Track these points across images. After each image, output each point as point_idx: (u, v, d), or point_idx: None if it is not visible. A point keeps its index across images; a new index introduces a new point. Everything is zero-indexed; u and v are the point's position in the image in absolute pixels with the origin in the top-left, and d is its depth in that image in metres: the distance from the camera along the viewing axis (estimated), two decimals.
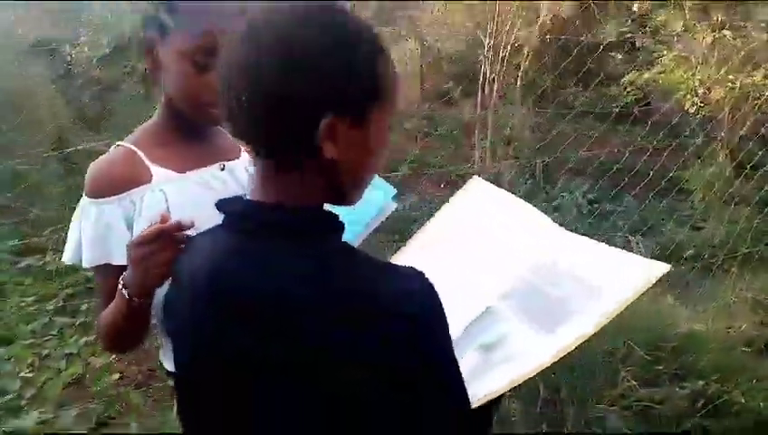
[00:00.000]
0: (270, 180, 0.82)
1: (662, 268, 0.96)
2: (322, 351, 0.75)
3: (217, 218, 0.89)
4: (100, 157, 1.22)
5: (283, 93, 0.73)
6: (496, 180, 4.82)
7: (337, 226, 0.85)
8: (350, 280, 0.79)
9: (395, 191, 1.38)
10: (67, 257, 1.22)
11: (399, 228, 5.81)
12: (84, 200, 1.19)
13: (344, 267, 0.80)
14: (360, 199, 1.39)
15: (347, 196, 0.88)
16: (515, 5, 4.27)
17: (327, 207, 0.87)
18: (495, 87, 4.36)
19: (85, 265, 1.18)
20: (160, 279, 1.00)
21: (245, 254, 0.81)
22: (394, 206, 1.40)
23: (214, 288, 0.82)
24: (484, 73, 4.40)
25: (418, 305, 0.78)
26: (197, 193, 1.21)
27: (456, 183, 6.81)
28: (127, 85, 5.71)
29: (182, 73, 1.14)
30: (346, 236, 1.37)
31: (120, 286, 1.06)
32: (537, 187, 6.18)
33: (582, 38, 4.07)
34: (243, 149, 1.34)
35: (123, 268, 1.11)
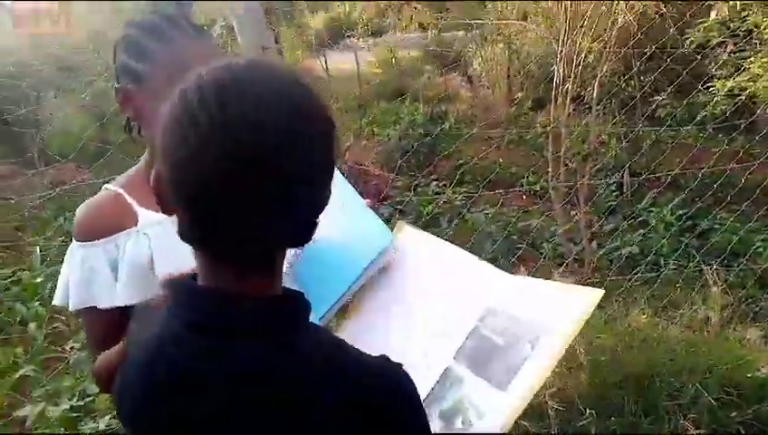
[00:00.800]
0: (229, 271, 0.73)
1: (597, 295, 0.97)
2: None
3: None
4: (88, 200, 1.24)
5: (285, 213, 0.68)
6: (571, 194, 4.56)
7: (305, 306, 0.78)
8: (334, 355, 0.75)
9: (392, 236, 1.31)
10: (57, 299, 1.24)
11: (478, 239, 5.73)
12: (73, 243, 1.21)
13: (324, 343, 0.77)
14: (359, 243, 1.35)
15: None
16: (590, 9, 4.01)
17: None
18: (569, 96, 4.11)
19: (71, 308, 1.19)
20: None
21: (202, 353, 0.72)
22: (394, 251, 1.31)
23: (163, 388, 0.74)
24: (557, 83, 4.17)
25: (398, 383, 0.77)
26: None
27: (535, 196, 6.57)
28: None
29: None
30: (339, 282, 1.31)
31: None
32: (623, 201, 5.82)
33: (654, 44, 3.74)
34: None
35: (108, 312, 1.13)
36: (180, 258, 1.07)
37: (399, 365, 0.78)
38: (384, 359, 0.78)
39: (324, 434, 0.70)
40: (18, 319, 3.96)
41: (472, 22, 5.63)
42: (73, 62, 7.81)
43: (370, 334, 1.19)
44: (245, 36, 2.16)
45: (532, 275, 3.81)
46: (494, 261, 4.14)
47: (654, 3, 4.06)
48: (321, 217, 0.76)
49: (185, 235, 0.72)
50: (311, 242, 1.39)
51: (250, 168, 0.63)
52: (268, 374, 0.70)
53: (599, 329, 2.74)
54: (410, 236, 1.31)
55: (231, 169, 0.63)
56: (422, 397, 1.01)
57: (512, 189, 5.67)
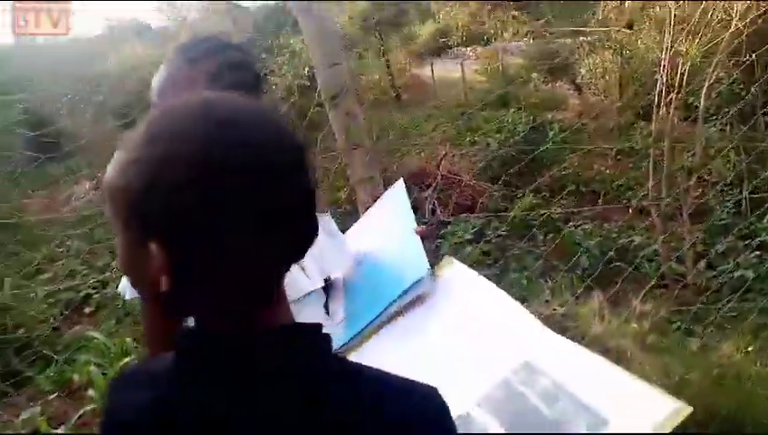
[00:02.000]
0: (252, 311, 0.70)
1: (683, 412, 0.81)
2: None
3: None
4: None
5: None
6: (670, 212, 4.26)
7: (319, 339, 0.73)
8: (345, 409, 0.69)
9: (427, 270, 1.22)
10: (120, 287, 1.31)
11: (571, 251, 5.48)
12: None
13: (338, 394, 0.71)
14: (396, 271, 1.33)
15: None
16: (698, 14, 3.72)
17: None
18: (673, 106, 3.84)
19: (126, 298, 1.28)
20: None
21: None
22: (428, 284, 1.23)
23: None
24: (660, 92, 3.91)
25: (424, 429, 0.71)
26: None
27: (641, 212, 6.17)
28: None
29: None
30: (374, 306, 1.30)
31: None
32: (740, 219, 5.32)
33: None
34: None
35: None
36: None
37: (431, 388, 0.73)
38: (411, 381, 0.74)
39: None
40: (128, 313, 4.38)
41: (576, 29, 5.41)
42: None
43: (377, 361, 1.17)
44: (316, 49, 2.25)
45: (628, 294, 3.58)
46: (587, 278, 3.92)
47: None
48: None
49: (181, 303, 0.67)
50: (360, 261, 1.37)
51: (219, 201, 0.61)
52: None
53: (685, 359, 2.54)
54: (457, 274, 1.24)
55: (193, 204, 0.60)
56: None
57: (607, 205, 5.36)
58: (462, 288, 1.21)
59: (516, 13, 5.17)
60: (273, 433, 0.66)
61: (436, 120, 9.11)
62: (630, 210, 6.45)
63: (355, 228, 1.57)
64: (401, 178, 1.54)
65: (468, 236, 5.69)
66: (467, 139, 8.78)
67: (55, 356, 3.65)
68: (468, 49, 13.41)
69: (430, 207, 5.83)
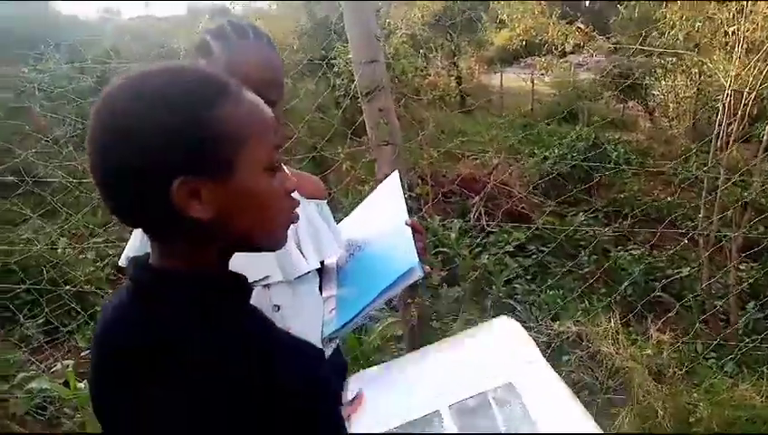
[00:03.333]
0: (157, 246, 0.80)
1: None
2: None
3: None
4: None
5: (121, 166, 0.71)
6: (725, 246, 4.06)
7: (237, 289, 0.82)
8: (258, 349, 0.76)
9: (416, 261, 1.22)
10: (120, 261, 1.44)
11: (618, 279, 5.31)
12: None
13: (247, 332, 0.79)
14: (386, 264, 1.36)
15: (255, 244, 0.81)
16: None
17: None
18: (732, 138, 3.67)
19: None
20: None
21: (132, 319, 0.79)
22: (418, 275, 1.23)
23: (102, 356, 0.83)
24: (720, 120, 3.75)
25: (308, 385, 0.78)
26: None
27: (695, 242, 5.91)
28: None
29: None
30: (353, 305, 1.34)
31: None
32: None
33: None
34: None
35: None
36: None
37: (316, 349, 0.82)
38: (303, 341, 0.82)
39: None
40: None
41: (642, 48, 5.23)
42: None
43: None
44: (357, 45, 2.31)
45: (670, 329, 3.46)
46: (628, 305, 3.80)
47: None
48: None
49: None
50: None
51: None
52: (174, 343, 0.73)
53: (700, 394, 2.44)
54: (504, 328, 1.28)
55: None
56: (405, 420, 1.03)
57: (657, 232, 5.16)
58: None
59: (582, 26, 5.06)
60: (208, 368, 0.71)
61: (497, 127, 9.02)
62: (687, 240, 6.18)
63: (350, 218, 1.60)
64: (396, 170, 1.55)
65: (510, 249, 5.61)
66: (526, 150, 8.64)
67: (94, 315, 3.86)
68: (543, 59, 13.14)
69: (475, 214, 5.78)
